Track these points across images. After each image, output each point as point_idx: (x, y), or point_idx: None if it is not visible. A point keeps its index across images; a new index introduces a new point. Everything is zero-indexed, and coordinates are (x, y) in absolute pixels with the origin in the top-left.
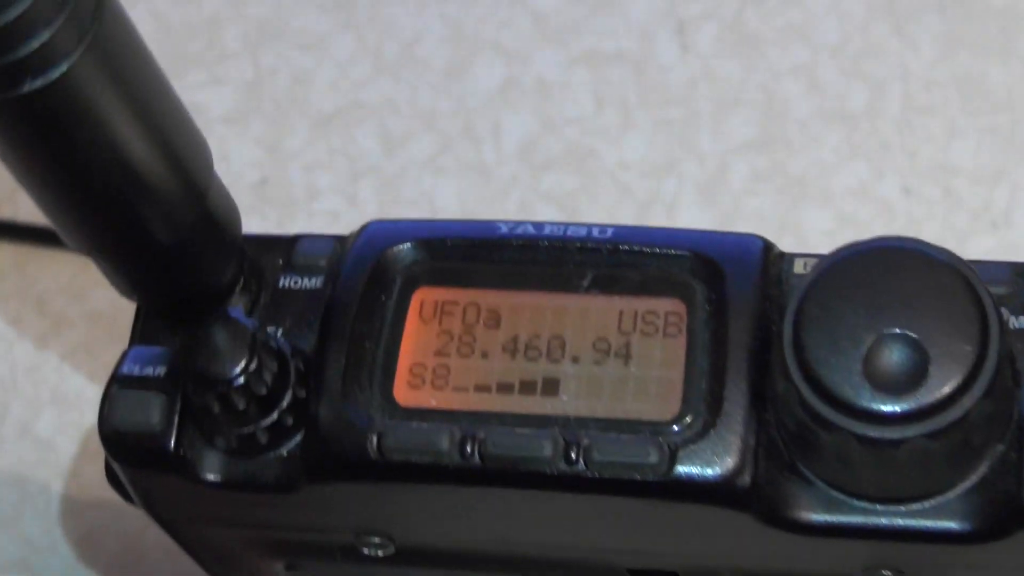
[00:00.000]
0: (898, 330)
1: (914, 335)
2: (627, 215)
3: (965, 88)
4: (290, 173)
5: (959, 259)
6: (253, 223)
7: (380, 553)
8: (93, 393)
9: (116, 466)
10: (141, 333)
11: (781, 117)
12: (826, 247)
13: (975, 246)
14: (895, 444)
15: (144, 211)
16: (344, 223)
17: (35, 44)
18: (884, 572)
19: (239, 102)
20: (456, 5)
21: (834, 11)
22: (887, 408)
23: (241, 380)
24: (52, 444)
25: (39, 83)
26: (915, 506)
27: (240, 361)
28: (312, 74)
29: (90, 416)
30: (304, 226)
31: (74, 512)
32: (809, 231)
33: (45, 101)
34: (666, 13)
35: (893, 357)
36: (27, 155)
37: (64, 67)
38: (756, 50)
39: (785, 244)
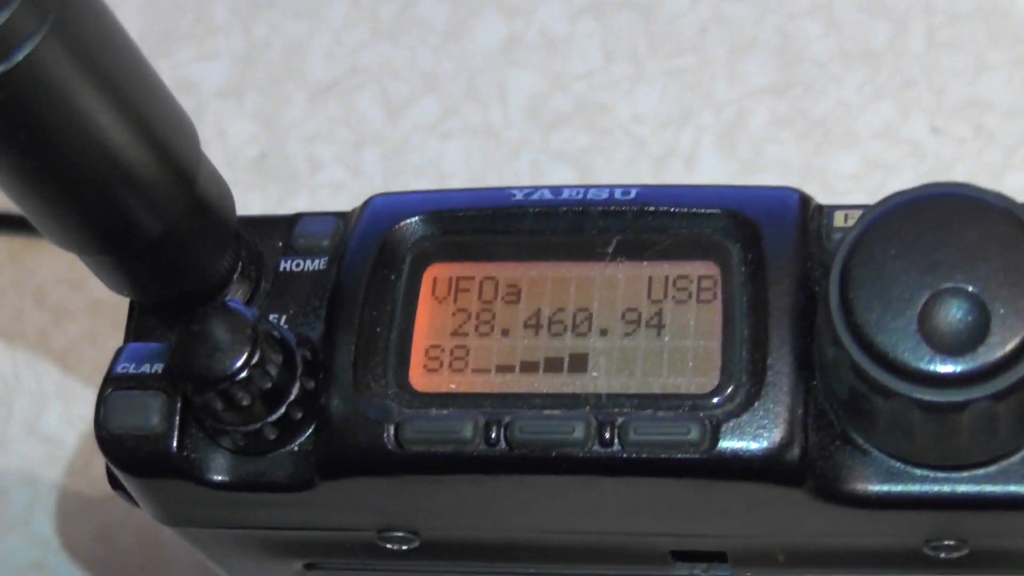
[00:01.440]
0: (954, 284)
1: (972, 289)
2: (644, 170)
3: (991, 19)
4: (290, 146)
5: (1016, 203)
6: (254, 200)
7: (404, 547)
8: (99, 385)
9: (117, 472)
10: (136, 329)
11: (799, 59)
12: (853, 192)
13: (1010, 184)
14: (958, 408)
15: (129, 202)
16: (349, 194)
17: None
18: (947, 542)
19: (233, 76)
20: None
21: None
22: (948, 369)
23: (243, 375)
24: (59, 440)
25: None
26: (979, 472)
27: (241, 354)
28: (307, 42)
29: None
30: (307, 200)
31: (87, 509)
32: (835, 177)
33: (8, 88)
34: None
35: (951, 314)
36: None
37: (26, 50)
38: None
39: (810, 190)
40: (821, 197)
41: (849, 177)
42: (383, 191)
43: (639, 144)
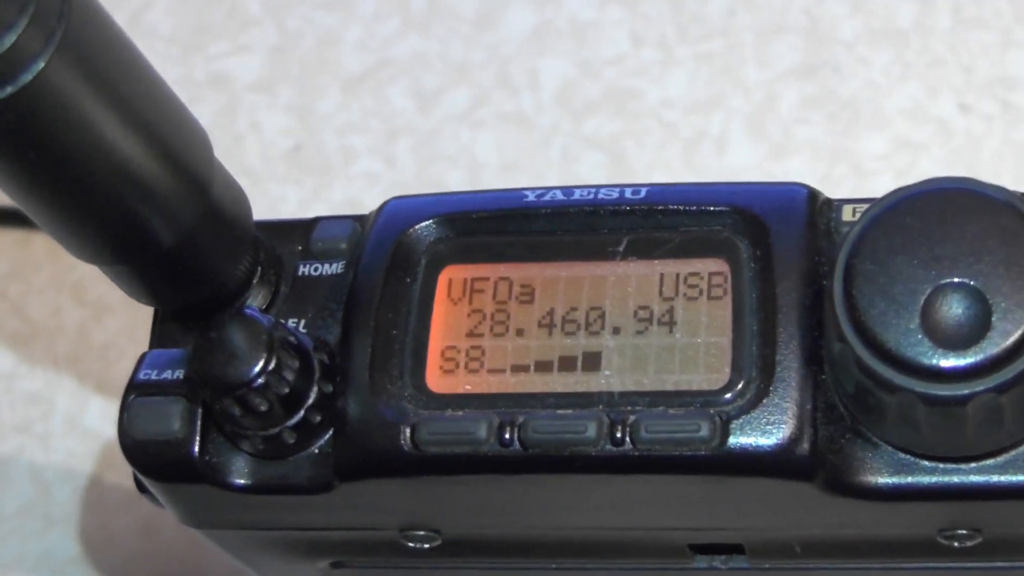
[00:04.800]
0: (956, 279)
1: (974, 283)
2: (674, 155)
3: None
4: (324, 138)
5: (1017, 197)
6: (289, 192)
7: (427, 546)
8: None
9: (141, 477)
10: (159, 336)
11: (827, 40)
12: (882, 172)
13: None
14: (962, 401)
15: (142, 213)
16: (383, 185)
17: None
18: (960, 531)
19: (266, 69)
20: None
21: None
22: (951, 364)
23: (260, 381)
24: (101, 435)
25: (8, 90)
26: (988, 462)
27: (257, 361)
28: (339, 34)
29: None
30: (342, 191)
31: (129, 504)
32: (864, 157)
33: (18, 109)
34: None
35: (953, 308)
36: (6, 168)
37: (35, 71)
38: None
39: (840, 171)
40: (850, 178)
41: (878, 157)
42: (416, 180)
43: (669, 129)
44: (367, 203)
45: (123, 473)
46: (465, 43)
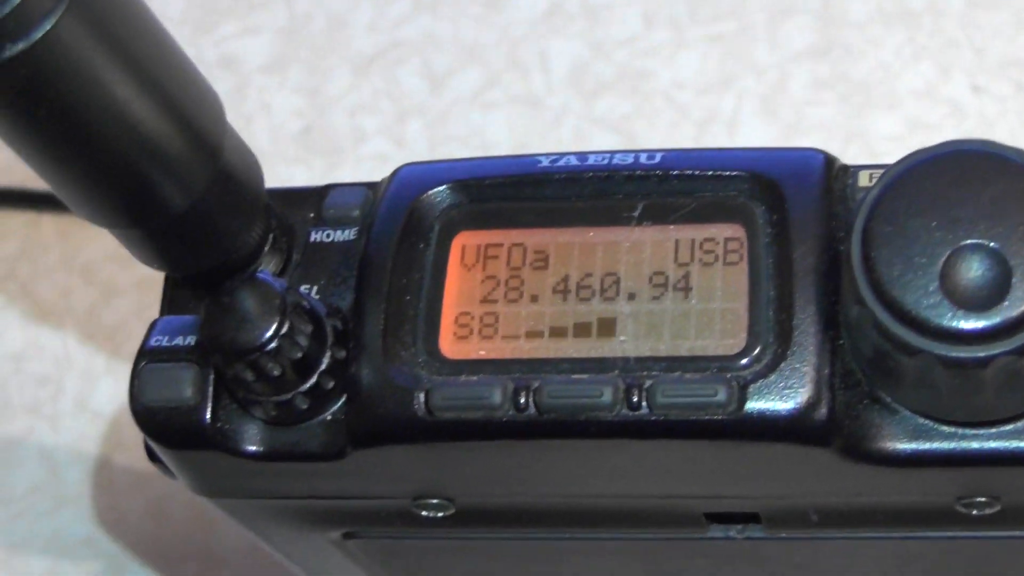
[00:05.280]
0: (975, 240)
1: (993, 244)
2: (686, 136)
3: None
4: (334, 119)
5: None
6: (299, 173)
7: (440, 514)
8: None
9: (152, 444)
10: (171, 302)
11: (839, 21)
12: (895, 154)
13: None
14: (982, 364)
15: (154, 175)
16: (393, 166)
17: (10, 5)
18: (979, 499)
19: (275, 50)
20: None
21: None
22: (970, 326)
23: (273, 345)
24: (110, 416)
25: (20, 47)
26: (1007, 427)
27: (270, 325)
28: (348, 15)
29: None
30: (352, 172)
31: (139, 485)
32: (876, 138)
33: (29, 66)
34: None
35: (972, 270)
36: (18, 126)
37: (46, 27)
38: None
39: (852, 152)
40: (863, 159)
41: (891, 138)
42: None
43: (681, 110)
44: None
45: (133, 454)
46: (476, 23)
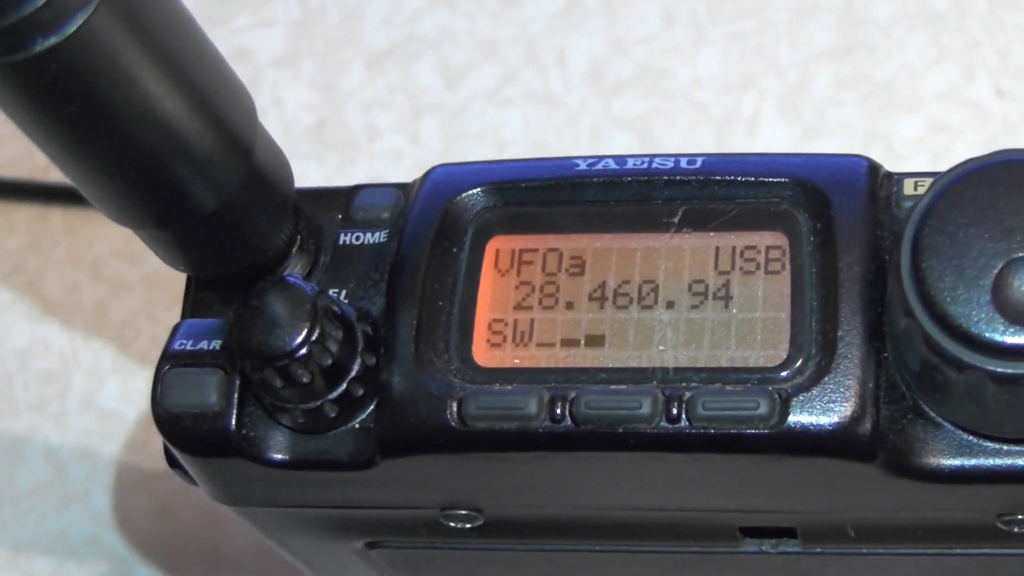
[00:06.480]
0: None
1: None
2: (705, 136)
3: None
4: (348, 114)
5: None
6: (312, 169)
7: (468, 525)
8: (156, 359)
9: (175, 451)
10: (193, 305)
11: (862, 21)
12: (917, 156)
13: None
14: None
15: (185, 174)
16: (408, 162)
17: None
18: (1020, 517)
19: (289, 44)
20: None
21: None
22: (1023, 341)
23: (303, 351)
24: (117, 414)
25: (52, 40)
26: None
27: (301, 330)
28: (363, 8)
29: None
30: (366, 168)
31: (145, 484)
32: (898, 140)
33: (61, 60)
34: None
35: None
36: (47, 122)
37: (79, 20)
38: None
39: (874, 155)
40: (885, 161)
41: (913, 141)
42: (442, 159)
43: (700, 109)
44: (391, 181)
45: (139, 453)
46: (493, 19)
